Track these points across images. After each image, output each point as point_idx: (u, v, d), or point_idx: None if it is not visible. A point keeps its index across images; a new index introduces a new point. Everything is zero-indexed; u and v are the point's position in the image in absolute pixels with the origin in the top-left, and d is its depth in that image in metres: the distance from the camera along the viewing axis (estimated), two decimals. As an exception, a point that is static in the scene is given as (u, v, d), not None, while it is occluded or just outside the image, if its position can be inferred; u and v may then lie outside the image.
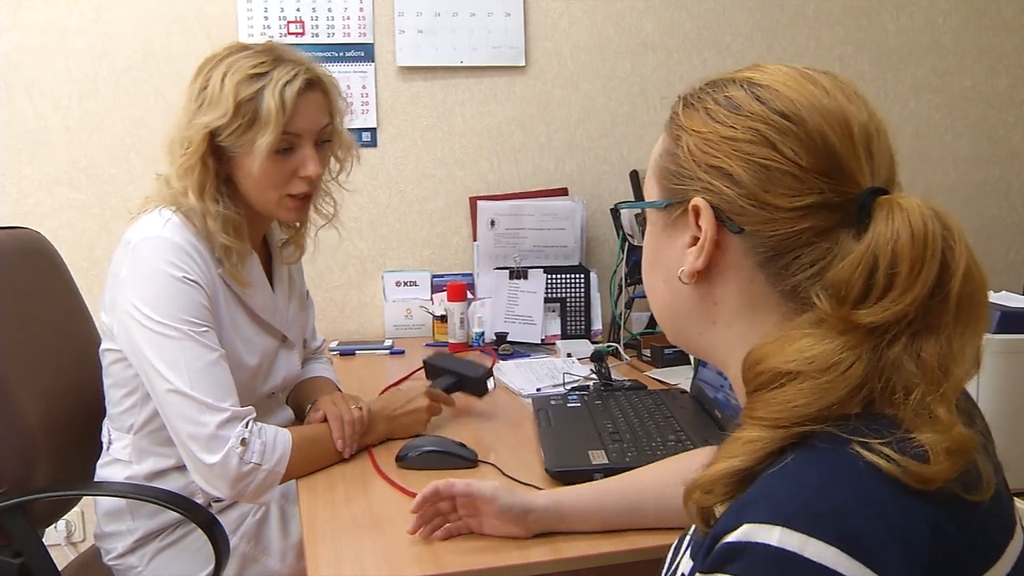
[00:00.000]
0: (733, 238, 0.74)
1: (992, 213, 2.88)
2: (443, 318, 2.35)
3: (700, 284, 0.78)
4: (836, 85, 0.75)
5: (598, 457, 1.36)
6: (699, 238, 0.76)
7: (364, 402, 1.49)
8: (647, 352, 2.11)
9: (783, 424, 0.65)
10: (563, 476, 1.33)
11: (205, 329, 1.36)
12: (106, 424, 1.54)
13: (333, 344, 2.29)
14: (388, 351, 2.28)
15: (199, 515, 1.40)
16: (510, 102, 2.51)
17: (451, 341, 2.29)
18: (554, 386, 1.85)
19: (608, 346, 2.19)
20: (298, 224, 1.58)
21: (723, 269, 0.76)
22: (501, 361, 2.11)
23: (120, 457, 1.49)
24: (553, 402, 1.68)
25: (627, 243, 2.21)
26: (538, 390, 1.83)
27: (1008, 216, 2.91)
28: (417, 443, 1.44)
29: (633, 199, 2.20)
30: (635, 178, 2.11)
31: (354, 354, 2.26)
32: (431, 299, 2.46)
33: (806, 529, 0.57)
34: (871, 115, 0.74)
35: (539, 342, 2.30)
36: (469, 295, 2.35)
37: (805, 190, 0.71)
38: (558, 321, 2.34)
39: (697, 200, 0.75)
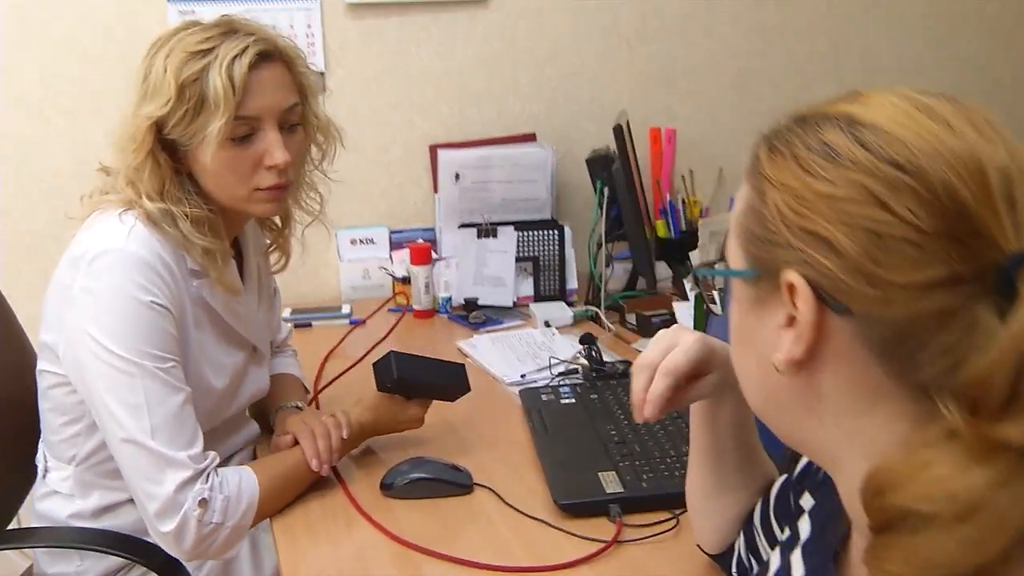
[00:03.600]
0: (839, 321, 0.58)
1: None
2: (405, 280, 2.16)
3: (800, 373, 0.62)
4: (962, 116, 0.58)
5: (611, 484, 1.22)
6: (795, 318, 0.60)
7: (343, 413, 1.32)
8: (632, 319, 1.96)
9: None
10: (573, 509, 1.19)
11: (172, 364, 1.16)
12: (41, 448, 1.35)
13: (287, 313, 2.09)
14: (347, 320, 2.09)
15: (156, 559, 1.23)
16: (471, 40, 2.27)
17: (416, 307, 2.11)
18: (539, 370, 1.70)
19: (587, 310, 2.05)
20: (279, 223, 1.38)
21: (828, 357, 0.60)
22: (475, 335, 1.94)
23: (60, 490, 1.30)
24: (544, 397, 1.53)
25: (604, 196, 2.03)
26: (523, 377, 1.68)
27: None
28: (404, 468, 1.28)
29: (616, 152, 2.01)
30: (619, 134, 1.93)
31: (310, 325, 2.07)
32: (390, 258, 2.27)
33: None
34: (1012, 153, 0.57)
35: (511, 305, 2.14)
36: (434, 255, 2.16)
37: (928, 260, 0.54)
38: (530, 281, 2.17)
39: (791, 275, 0.59)
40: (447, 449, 1.38)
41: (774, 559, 0.83)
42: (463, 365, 1.43)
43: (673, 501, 1.19)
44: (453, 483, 1.26)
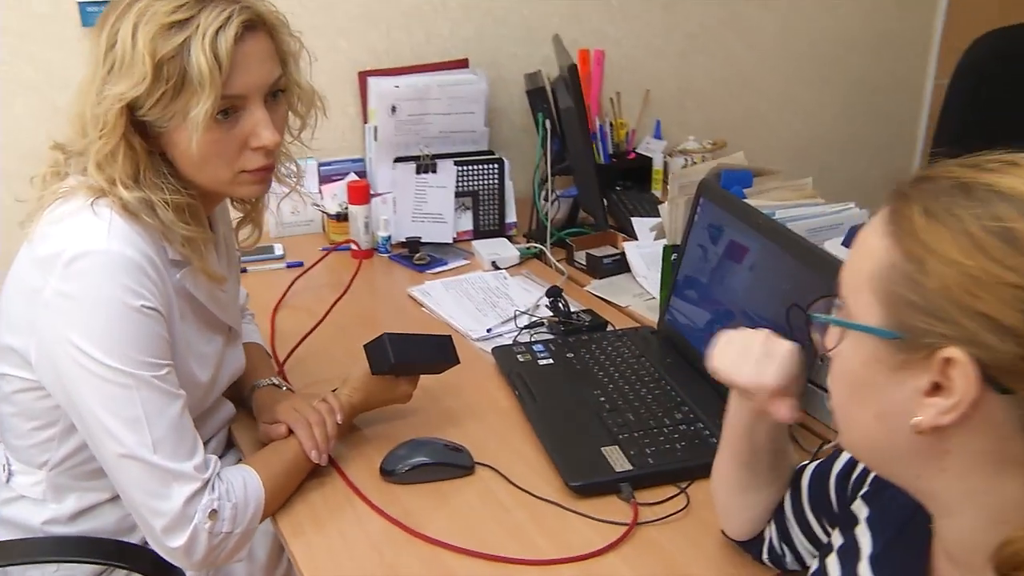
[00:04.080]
0: (997, 399, 0.60)
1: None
2: (339, 216, 2.07)
3: (934, 435, 0.63)
4: None
5: (618, 461, 1.23)
6: (942, 387, 0.61)
7: (334, 397, 1.27)
8: (581, 259, 1.95)
9: None
10: (585, 490, 1.20)
11: (167, 369, 1.07)
12: (2, 451, 1.24)
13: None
14: (284, 264, 1.99)
15: (143, 561, 1.17)
16: (400, -43, 2.12)
17: (354, 248, 2.03)
18: (504, 323, 1.68)
19: (531, 248, 2.02)
20: (255, 199, 1.27)
21: (971, 425, 0.62)
22: (427, 281, 1.89)
23: (30, 495, 1.21)
24: (521, 359, 1.52)
25: (547, 131, 1.98)
26: (488, 331, 1.65)
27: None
28: (403, 453, 1.25)
29: (557, 65, 1.94)
30: (574, 72, 1.86)
31: (245, 271, 1.96)
32: (319, 192, 2.16)
33: None
34: None
35: (451, 241, 2.09)
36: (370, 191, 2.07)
37: None
38: (469, 216, 2.12)
39: (954, 352, 0.59)
40: (436, 423, 1.35)
41: (833, 567, 0.86)
42: (450, 337, 1.39)
43: (679, 475, 1.23)
44: (455, 465, 1.25)
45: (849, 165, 2.89)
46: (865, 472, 0.91)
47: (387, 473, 1.24)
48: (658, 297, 1.71)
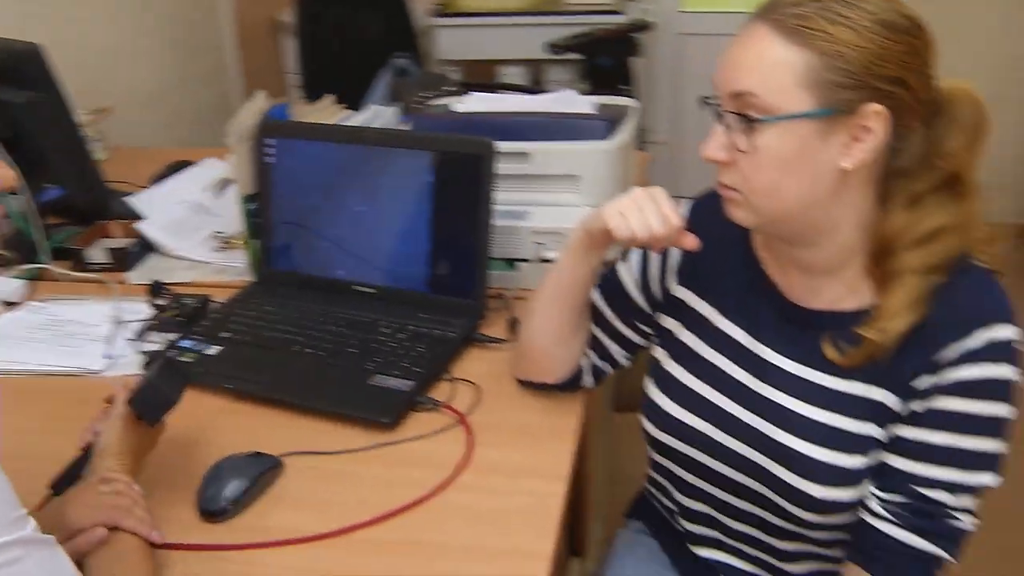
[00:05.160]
0: (889, 133, 0.92)
1: None
2: None
3: (850, 172, 0.93)
4: None
5: (396, 383, 1.27)
6: (860, 137, 0.91)
7: (113, 472, 1.03)
8: (100, 257, 1.72)
9: None
10: (398, 417, 1.23)
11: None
12: None
13: None
14: None
15: None
16: None
17: None
18: (109, 342, 1.46)
19: (32, 271, 1.71)
20: None
21: (869, 159, 0.93)
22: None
23: None
24: (189, 359, 1.37)
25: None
26: (110, 356, 1.42)
27: None
28: (215, 490, 1.09)
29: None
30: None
31: None
32: None
33: None
34: None
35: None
36: None
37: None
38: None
39: (877, 107, 0.89)
40: (194, 449, 1.19)
41: (690, 339, 1.13)
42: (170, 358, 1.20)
43: (443, 369, 1.35)
44: (270, 469, 1.14)
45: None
46: (665, 267, 1.17)
47: (214, 515, 1.08)
48: (242, 250, 1.65)
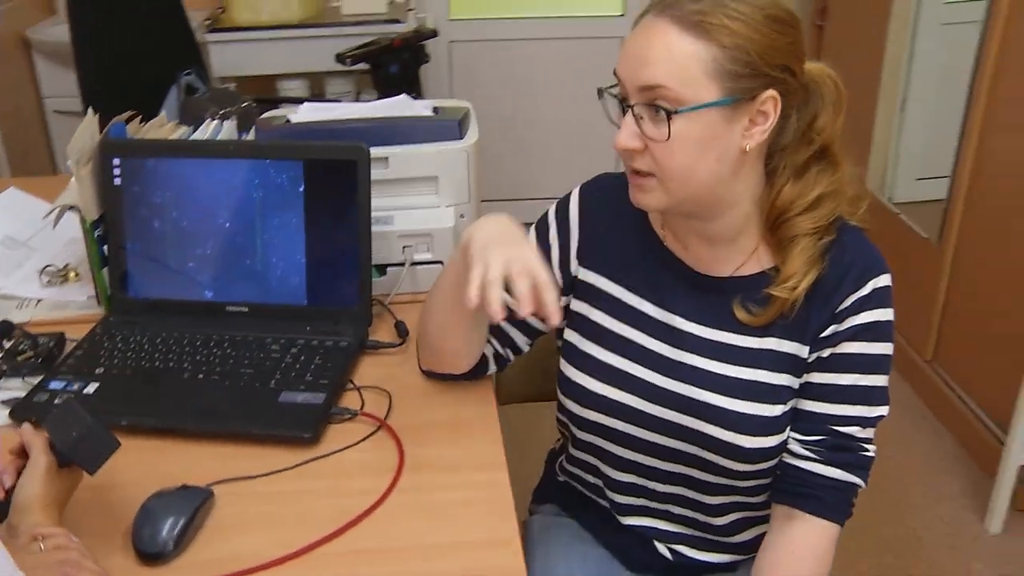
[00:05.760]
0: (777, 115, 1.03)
1: None
2: None
3: (749, 152, 1.04)
4: None
5: (307, 397, 1.25)
6: (756, 121, 1.01)
7: (48, 529, 0.94)
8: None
9: None
10: (319, 431, 1.20)
11: None
12: None
13: None
14: None
15: None
16: None
17: None
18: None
19: None
20: None
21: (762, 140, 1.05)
22: None
23: None
24: (60, 400, 1.25)
25: None
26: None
27: None
28: (150, 530, 1.02)
29: None
30: None
31: None
32: None
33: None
34: None
35: None
36: None
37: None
38: None
39: (772, 93, 1.00)
40: (116, 498, 1.10)
41: (605, 320, 1.20)
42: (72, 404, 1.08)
43: (344, 377, 1.33)
44: (204, 502, 1.08)
45: None
46: (566, 254, 1.22)
47: (155, 557, 1.01)
48: (82, 282, 1.53)
